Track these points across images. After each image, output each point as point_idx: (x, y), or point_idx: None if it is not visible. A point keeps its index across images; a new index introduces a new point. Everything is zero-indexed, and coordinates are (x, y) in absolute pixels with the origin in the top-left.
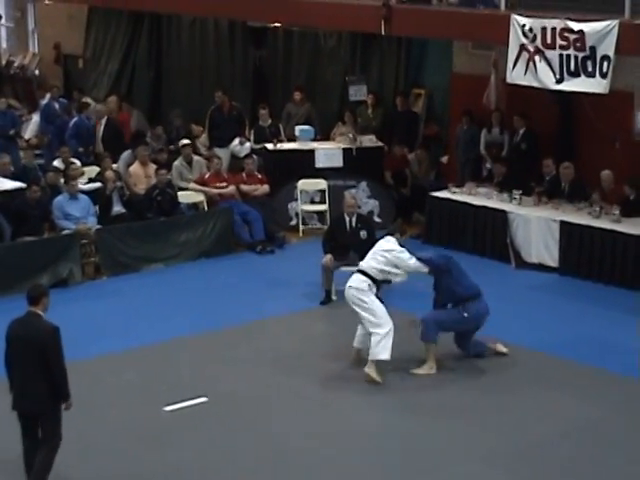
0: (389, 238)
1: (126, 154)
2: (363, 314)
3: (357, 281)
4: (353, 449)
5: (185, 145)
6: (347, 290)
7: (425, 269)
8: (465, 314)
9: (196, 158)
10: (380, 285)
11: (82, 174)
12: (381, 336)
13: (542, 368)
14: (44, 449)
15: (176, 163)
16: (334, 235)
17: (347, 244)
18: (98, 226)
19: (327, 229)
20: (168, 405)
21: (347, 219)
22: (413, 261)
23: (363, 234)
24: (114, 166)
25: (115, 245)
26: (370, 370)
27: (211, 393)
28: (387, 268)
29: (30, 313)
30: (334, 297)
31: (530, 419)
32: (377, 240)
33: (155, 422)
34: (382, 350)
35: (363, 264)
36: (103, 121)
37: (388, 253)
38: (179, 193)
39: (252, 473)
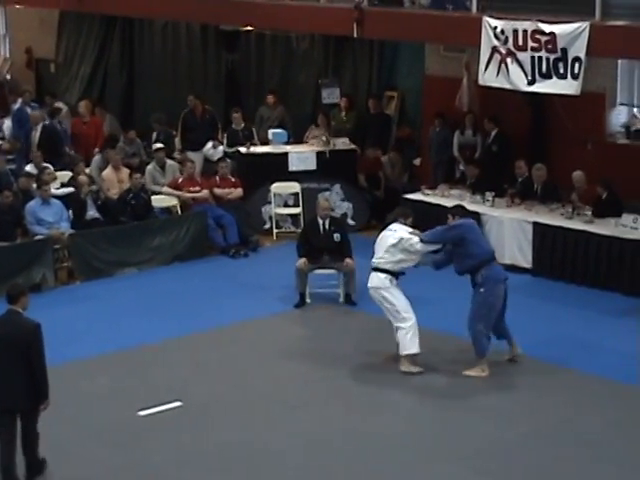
0: (394, 226)
1: (97, 158)
2: (387, 310)
3: (376, 280)
4: (326, 450)
5: (158, 149)
6: (370, 292)
7: (434, 246)
8: (482, 289)
9: (169, 162)
10: (399, 275)
11: (55, 179)
12: (406, 330)
13: (516, 368)
14: (29, 449)
15: (149, 167)
16: (308, 238)
17: (321, 247)
18: (71, 231)
19: (301, 232)
20: (142, 410)
21: (321, 222)
22: (420, 246)
23: (337, 237)
24: (87, 171)
25: (88, 250)
26: (404, 366)
27: (185, 397)
28: (399, 257)
29: (10, 311)
30: (308, 300)
31: (504, 419)
32: (349, 242)
33: (129, 426)
34: (410, 344)
35: (375, 261)
36: (39, 127)
37: (398, 244)
38: (152, 197)
39: (227, 477)
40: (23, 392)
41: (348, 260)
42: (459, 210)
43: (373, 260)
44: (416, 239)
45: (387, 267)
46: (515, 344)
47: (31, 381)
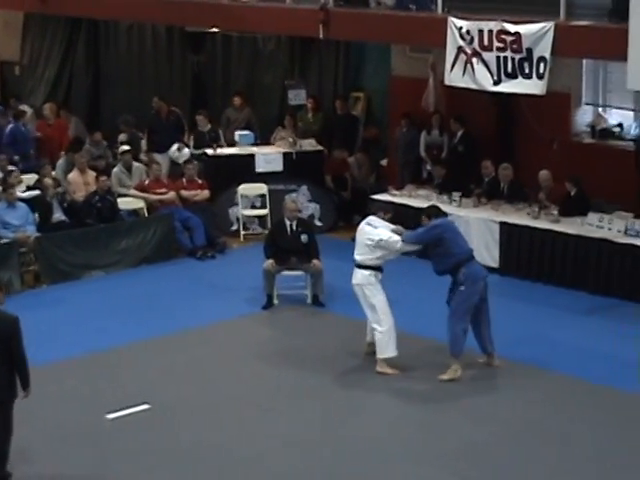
0: (372, 219)
1: (62, 161)
2: (365, 309)
3: (359, 277)
4: (298, 453)
5: (125, 152)
6: (353, 288)
7: (414, 247)
8: (462, 288)
9: (136, 164)
10: (382, 269)
11: (20, 182)
12: (383, 334)
13: (482, 368)
14: (6, 437)
15: (115, 169)
16: (275, 240)
17: (288, 249)
18: (37, 234)
19: (268, 234)
20: (110, 412)
21: (288, 223)
22: (400, 245)
23: (304, 238)
24: (53, 173)
25: (55, 253)
26: (381, 369)
27: (153, 400)
28: (379, 254)
29: None
30: (276, 301)
31: (472, 420)
32: (316, 243)
33: (97, 430)
34: (387, 348)
35: (358, 257)
36: (6, 130)
37: (378, 241)
38: (119, 200)
39: (195, 479)
40: (5, 383)
41: (315, 261)
42: (434, 210)
43: (355, 256)
44: (396, 238)
45: (370, 263)
46: (494, 356)
47: (12, 372)
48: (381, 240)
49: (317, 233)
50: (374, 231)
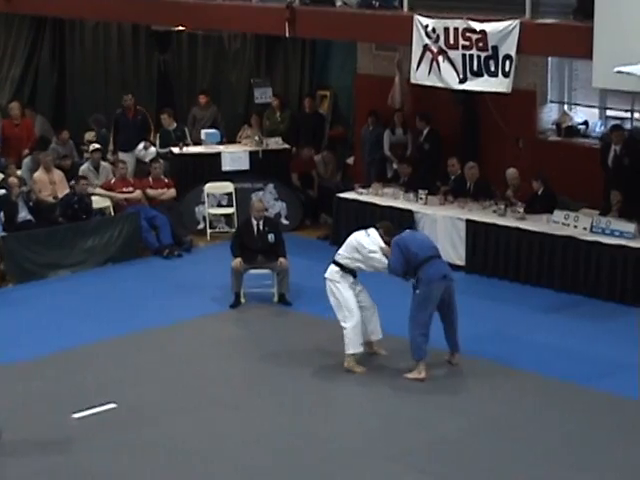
0: (371, 231)
1: (27, 160)
2: (332, 305)
3: (330, 272)
4: (262, 451)
5: (95, 150)
6: (324, 281)
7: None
8: (417, 291)
9: (103, 164)
10: (355, 273)
11: None
12: (348, 330)
13: (449, 366)
14: None
15: (83, 167)
16: (242, 239)
17: (255, 248)
18: (3, 233)
19: (235, 233)
20: (76, 412)
21: (255, 223)
22: (381, 266)
23: (271, 237)
24: (18, 172)
25: (21, 252)
26: (348, 365)
27: (120, 399)
28: (358, 263)
29: None
30: (243, 300)
31: (437, 416)
32: (283, 242)
33: (63, 429)
34: (352, 344)
35: (338, 254)
36: None
37: (362, 248)
38: None
39: (164, 477)
40: None
41: (282, 260)
42: (387, 229)
43: (337, 252)
44: (385, 262)
45: (343, 262)
46: (456, 353)
47: None
48: (372, 252)
49: (284, 231)
50: (366, 239)
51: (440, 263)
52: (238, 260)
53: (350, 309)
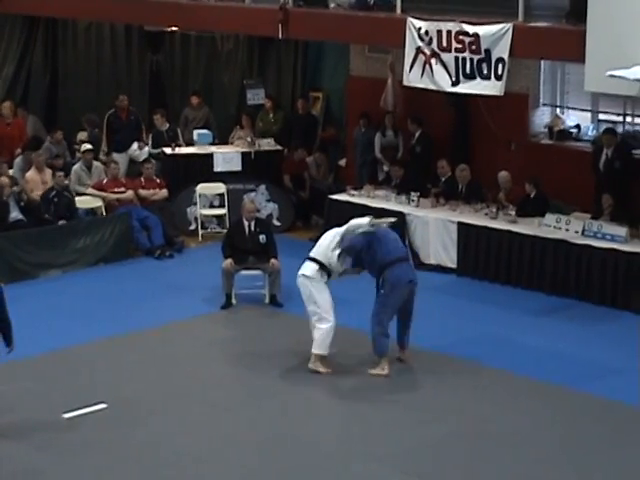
0: (362, 221)
1: (19, 160)
2: (306, 304)
3: (304, 268)
4: (251, 453)
5: (88, 150)
6: (298, 279)
7: (345, 266)
8: (382, 291)
9: (95, 164)
10: (330, 272)
11: None
12: (322, 331)
13: (439, 368)
14: None
15: (76, 167)
16: (233, 240)
17: (246, 249)
18: None
19: (226, 233)
20: (67, 412)
21: (246, 224)
22: (334, 261)
23: (262, 238)
24: (10, 172)
25: (12, 252)
26: (312, 364)
27: (110, 399)
28: (333, 260)
29: None
30: (234, 301)
31: (426, 419)
32: (274, 243)
33: (53, 429)
34: (321, 345)
35: (314, 251)
36: None
37: (337, 236)
38: (77, 198)
39: (154, 477)
40: None
41: (274, 261)
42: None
43: (312, 251)
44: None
45: (318, 258)
46: (405, 350)
47: None
48: (338, 237)
49: (275, 233)
50: (341, 230)
51: (408, 267)
52: (229, 261)
53: (327, 311)
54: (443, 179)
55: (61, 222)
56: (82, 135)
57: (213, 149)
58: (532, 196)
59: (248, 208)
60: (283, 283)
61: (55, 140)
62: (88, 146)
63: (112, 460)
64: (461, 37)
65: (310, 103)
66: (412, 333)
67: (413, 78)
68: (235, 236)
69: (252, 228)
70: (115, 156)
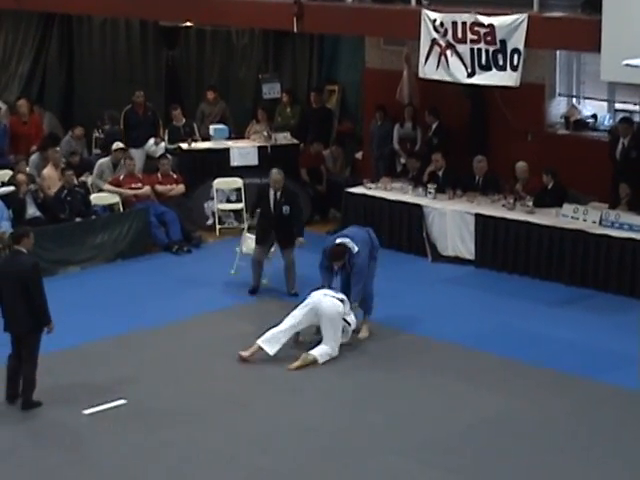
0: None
1: (35, 157)
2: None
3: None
4: (271, 450)
5: (119, 149)
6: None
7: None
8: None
9: (122, 163)
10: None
11: None
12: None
13: (458, 360)
14: (25, 368)
15: (101, 161)
16: (259, 203)
17: (269, 217)
18: (12, 230)
19: (255, 196)
20: (87, 408)
21: (272, 192)
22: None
23: (286, 209)
24: (27, 169)
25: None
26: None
27: (131, 395)
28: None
29: (14, 251)
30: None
31: (444, 411)
32: (300, 218)
33: (74, 425)
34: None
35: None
36: None
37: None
38: (95, 195)
39: (174, 474)
40: (22, 319)
41: (300, 239)
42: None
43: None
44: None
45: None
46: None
47: (29, 310)
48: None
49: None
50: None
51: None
52: (259, 250)
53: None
54: (440, 173)
55: (77, 219)
56: (98, 133)
57: (229, 144)
58: (550, 187)
59: (275, 178)
60: (301, 276)
61: (76, 136)
62: (120, 144)
63: (132, 455)
64: (476, 28)
65: (325, 96)
66: (430, 325)
67: (429, 70)
68: (261, 201)
69: (278, 197)
70: (132, 152)
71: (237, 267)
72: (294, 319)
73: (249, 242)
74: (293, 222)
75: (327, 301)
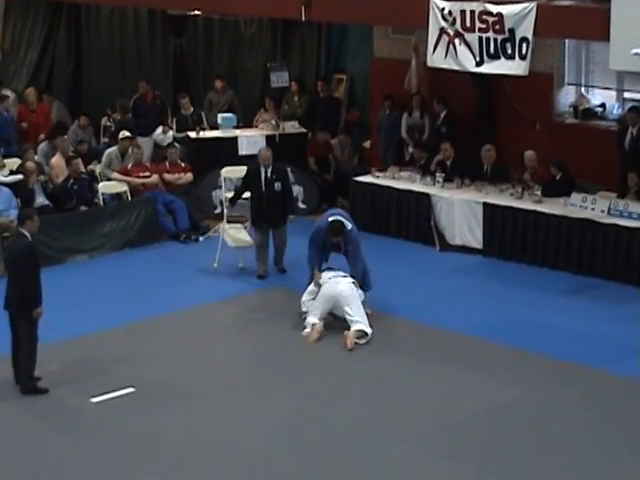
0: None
1: (43, 145)
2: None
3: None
4: (278, 437)
5: (125, 138)
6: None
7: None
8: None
9: (130, 152)
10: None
11: (3, 166)
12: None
13: (464, 349)
14: (22, 346)
15: (109, 150)
16: (249, 184)
17: (261, 196)
18: None
19: (242, 178)
20: (95, 396)
21: (263, 170)
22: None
23: (277, 186)
24: (36, 158)
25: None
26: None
27: (138, 383)
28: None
29: (17, 233)
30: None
31: (449, 400)
32: (291, 195)
33: (82, 413)
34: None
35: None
36: None
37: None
38: (103, 184)
39: (179, 462)
40: (13, 300)
41: (290, 216)
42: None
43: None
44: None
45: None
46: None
47: (20, 290)
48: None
49: (300, 215)
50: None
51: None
52: (260, 235)
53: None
54: (448, 162)
55: (83, 208)
56: (104, 121)
57: (237, 132)
58: (558, 178)
59: (264, 155)
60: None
61: (81, 125)
62: (126, 133)
63: (140, 443)
64: (485, 17)
65: (333, 85)
66: (437, 314)
67: (437, 59)
68: (251, 180)
69: (268, 175)
70: (140, 140)
71: (219, 260)
72: (318, 309)
73: (232, 232)
74: (285, 198)
75: (340, 283)
